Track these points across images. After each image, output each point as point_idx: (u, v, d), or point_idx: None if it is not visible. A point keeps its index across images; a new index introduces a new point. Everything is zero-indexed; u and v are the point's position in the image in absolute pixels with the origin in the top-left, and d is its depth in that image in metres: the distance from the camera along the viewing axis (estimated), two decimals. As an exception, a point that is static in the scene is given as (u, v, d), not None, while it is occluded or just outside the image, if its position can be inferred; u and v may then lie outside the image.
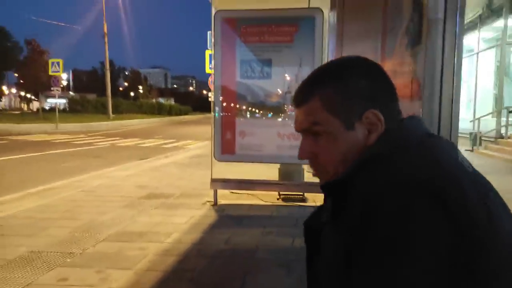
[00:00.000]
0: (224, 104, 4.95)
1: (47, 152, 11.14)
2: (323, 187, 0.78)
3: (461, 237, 0.57)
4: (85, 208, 4.67)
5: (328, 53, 2.89)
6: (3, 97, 49.91)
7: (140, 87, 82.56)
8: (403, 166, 0.65)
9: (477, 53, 14.22)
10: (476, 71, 14.37)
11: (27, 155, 10.40)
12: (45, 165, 8.88)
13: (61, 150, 11.71)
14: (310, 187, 4.68)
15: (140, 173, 7.43)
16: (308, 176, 4.83)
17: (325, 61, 2.94)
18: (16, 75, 47.12)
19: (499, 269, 0.59)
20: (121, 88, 78.54)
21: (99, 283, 2.59)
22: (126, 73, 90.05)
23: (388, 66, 2.36)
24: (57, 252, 3.16)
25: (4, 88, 49.41)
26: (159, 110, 46.42)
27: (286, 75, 4.84)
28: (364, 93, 0.74)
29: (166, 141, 15.38)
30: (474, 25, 14.04)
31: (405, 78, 2.21)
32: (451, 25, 1.79)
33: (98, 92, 49.74)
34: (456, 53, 1.72)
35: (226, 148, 4.83)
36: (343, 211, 0.67)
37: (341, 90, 0.75)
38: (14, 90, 60.04)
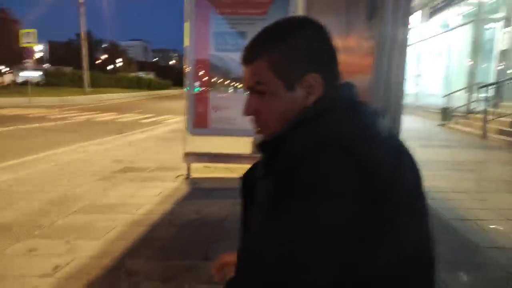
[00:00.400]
0: (198, 77, 4.94)
1: (19, 127, 10.87)
2: (260, 145, 0.85)
3: (367, 185, 0.66)
4: (57, 182, 4.66)
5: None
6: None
7: (119, 60, 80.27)
8: (326, 125, 0.73)
9: (453, 29, 14.39)
10: (451, 47, 14.59)
11: (-1, 129, 10.14)
12: (17, 140, 8.70)
13: (35, 125, 11.44)
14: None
15: (116, 148, 7.39)
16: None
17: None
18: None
19: (396, 216, 0.70)
20: (99, 61, 76.12)
21: (66, 252, 2.65)
22: (105, 45, 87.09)
23: (350, 42, 2.42)
24: (30, 225, 3.18)
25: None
26: (139, 84, 45.44)
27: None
28: (307, 56, 0.80)
29: (144, 116, 15.19)
30: (450, 1, 14.14)
31: (363, 52, 2.29)
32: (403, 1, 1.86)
33: (75, 65, 48.09)
34: (403, 28, 1.79)
35: (199, 122, 4.85)
36: (275, 165, 0.74)
37: (285, 53, 0.79)
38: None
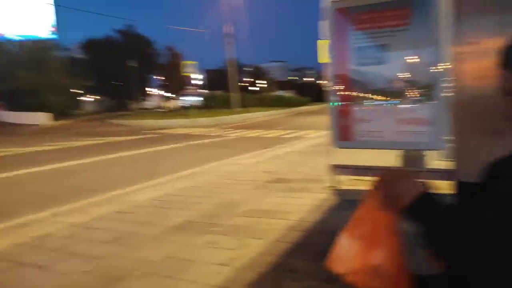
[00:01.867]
0: (341, 92, 5.11)
1: (188, 143, 12.92)
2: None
3: None
4: (222, 189, 5.45)
5: (443, 31, 2.84)
6: (149, 98, 58.50)
7: (262, 81, 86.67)
8: None
9: None
10: None
11: (172, 145, 12.29)
12: (187, 154, 10.39)
13: (198, 142, 13.43)
14: (432, 174, 4.53)
15: (266, 161, 8.10)
16: (431, 163, 4.67)
17: (444, 40, 2.88)
18: (159, 77, 54.78)
19: None
20: (245, 84, 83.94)
21: (238, 247, 3.14)
22: (249, 69, 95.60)
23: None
24: (204, 223, 3.87)
25: (150, 89, 57.78)
26: (280, 102, 48.07)
27: (404, 58, 4.74)
28: None
29: (287, 132, 16.08)
30: None
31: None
32: None
33: (226, 89, 54.19)
34: None
35: (344, 135, 4.99)
36: None
37: None
38: (157, 91, 69.88)
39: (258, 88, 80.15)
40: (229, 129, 18.53)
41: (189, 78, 23.14)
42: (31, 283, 2.70)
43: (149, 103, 59.72)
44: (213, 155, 9.80)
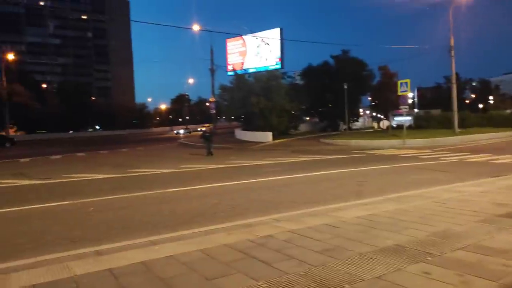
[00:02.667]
0: None
1: (397, 165, 12.28)
2: None
3: None
4: (438, 217, 4.91)
5: None
6: (359, 118, 58.98)
7: (490, 97, 73.71)
8: None
9: None
10: None
11: (380, 166, 11.96)
12: (396, 176, 9.89)
13: (409, 164, 12.56)
14: None
15: (495, 191, 6.81)
16: None
17: None
18: (369, 98, 54.62)
19: None
20: (467, 101, 73.27)
21: (460, 284, 2.74)
22: (473, 84, 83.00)
23: None
24: (418, 250, 3.57)
25: (360, 110, 58.18)
26: (515, 122, 39.46)
27: None
28: None
29: (527, 158, 13.02)
30: None
31: None
32: None
33: (443, 107, 48.78)
34: None
35: None
36: None
37: None
38: (367, 112, 69.72)
39: (483, 106, 68.53)
40: (446, 152, 16.51)
41: (405, 97, 22.14)
42: (257, 274, 3.15)
43: (358, 124, 60.29)
44: (427, 180, 8.97)
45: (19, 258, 3.95)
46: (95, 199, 7.52)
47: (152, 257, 3.64)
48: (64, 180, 10.68)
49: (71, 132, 66.37)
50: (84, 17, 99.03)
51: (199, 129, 51.50)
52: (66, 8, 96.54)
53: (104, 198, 7.61)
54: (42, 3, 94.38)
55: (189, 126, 67.34)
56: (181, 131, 58.61)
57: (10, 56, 51.11)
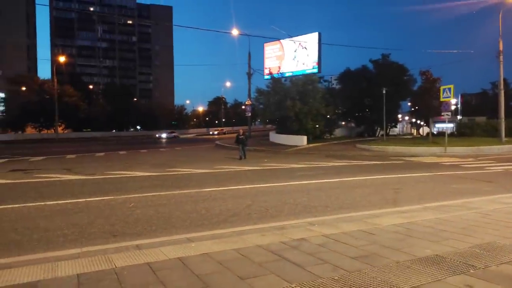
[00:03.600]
0: None
1: (437, 173, 11.80)
2: None
3: None
4: (481, 228, 4.68)
5: None
6: (398, 124, 57.20)
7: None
8: None
9: None
10: None
11: (419, 174, 11.53)
12: (435, 185, 9.50)
13: (450, 172, 12.03)
14: None
15: (547, 204, 6.38)
16: None
17: None
18: (409, 104, 52.90)
19: None
20: (516, 108, 69.09)
21: (505, 299, 2.61)
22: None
23: None
24: (460, 261, 3.43)
25: (399, 116, 56.44)
26: None
27: None
28: None
29: None
30: None
31: None
32: None
33: (488, 115, 46.33)
34: None
35: None
36: None
37: None
38: (406, 117, 67.46)
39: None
40: (491, 161, 15.65)
41: (447, 104, 21.27)
42: (290, 276, 3.16)
43: (396, 129, 58.50)
44: (469, 189, 8.56)
45: (66, 248, 4.21)
46: (135, 195, 7.82)
47: (189, 254, 3.74)
48: (106, 176, 11.17)
49: (114, 131, 69.30)
50: (130, 22, 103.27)
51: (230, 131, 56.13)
52: (114, 13, 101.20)
53: (144, 195, 7.89)
54: (92, 9, 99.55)
55: (224, 128, 69.22)
56: (215, 132, 66.63)
57: (62, 59, 54.36)
